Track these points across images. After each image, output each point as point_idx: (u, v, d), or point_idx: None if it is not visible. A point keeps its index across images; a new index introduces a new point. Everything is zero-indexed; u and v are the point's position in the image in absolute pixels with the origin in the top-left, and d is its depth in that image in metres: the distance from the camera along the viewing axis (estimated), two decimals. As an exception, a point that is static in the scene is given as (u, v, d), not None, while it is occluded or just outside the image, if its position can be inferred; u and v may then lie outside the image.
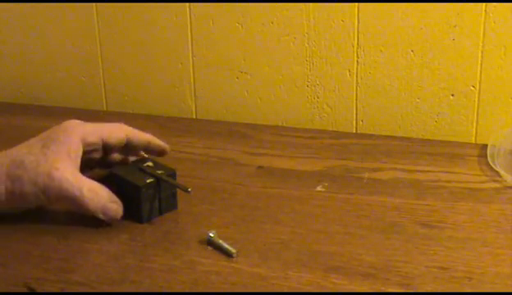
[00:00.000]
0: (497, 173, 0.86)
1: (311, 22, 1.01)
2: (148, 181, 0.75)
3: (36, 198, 0.73)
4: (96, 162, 0.81)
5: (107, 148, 0.80)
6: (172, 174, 0.78)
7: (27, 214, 0.76)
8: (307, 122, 1.06)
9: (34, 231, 0.75)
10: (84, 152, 0.76)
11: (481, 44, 0.94)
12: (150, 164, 0.79)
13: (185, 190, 0.75)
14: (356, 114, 1.03)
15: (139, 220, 0.76)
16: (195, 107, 1.12)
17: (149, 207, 0.76)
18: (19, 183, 0.72)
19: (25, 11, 1.17)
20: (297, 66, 1.04)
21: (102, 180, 0.75)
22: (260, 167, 0.91)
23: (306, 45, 1.02)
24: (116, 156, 0.83)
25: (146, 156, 0.83)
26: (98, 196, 0.73)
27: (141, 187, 0.75)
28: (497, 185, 0.83)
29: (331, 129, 1.05)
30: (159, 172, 0.77)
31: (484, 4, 0.92)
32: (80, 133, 0.76)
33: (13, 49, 1.21)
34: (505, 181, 0.84)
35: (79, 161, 0.75)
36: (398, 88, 1.00)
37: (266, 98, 1.08)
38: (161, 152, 0.83)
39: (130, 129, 0.80)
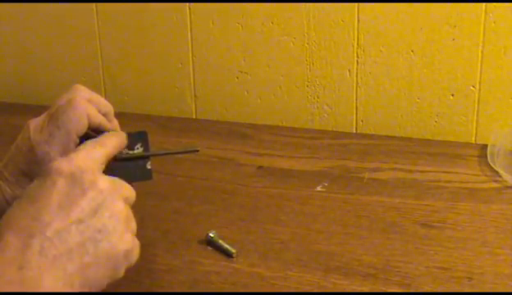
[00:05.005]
0: (497, 173, 0.86)
1: (311, 22, 1.01)
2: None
3: None
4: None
5: None
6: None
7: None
8: (307, 122, 1.06)
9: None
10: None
11: (481, 44, 0.94)
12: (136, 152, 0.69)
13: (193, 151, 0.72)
14: (356, 114, 1.03)
15: None
16: (195, 107, 1.12)
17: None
18: None
19: (25, 11, 1.17)
20: (297, 66, 1.04)
21: None
22: (260, 167, 0.91)
23: (306, 45, 1.02)
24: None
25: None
26: None
27: None
28: (497, 185, 0.83)
29: (331, 129, 1.05)
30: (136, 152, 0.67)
31: (484, 4, 0.92)
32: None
33: (13, 49, 1.21)
34: (505, 181, 0.84)
35: None
36: (398, 88, 1.00)
37: (266, 98, 1.07)
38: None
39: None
